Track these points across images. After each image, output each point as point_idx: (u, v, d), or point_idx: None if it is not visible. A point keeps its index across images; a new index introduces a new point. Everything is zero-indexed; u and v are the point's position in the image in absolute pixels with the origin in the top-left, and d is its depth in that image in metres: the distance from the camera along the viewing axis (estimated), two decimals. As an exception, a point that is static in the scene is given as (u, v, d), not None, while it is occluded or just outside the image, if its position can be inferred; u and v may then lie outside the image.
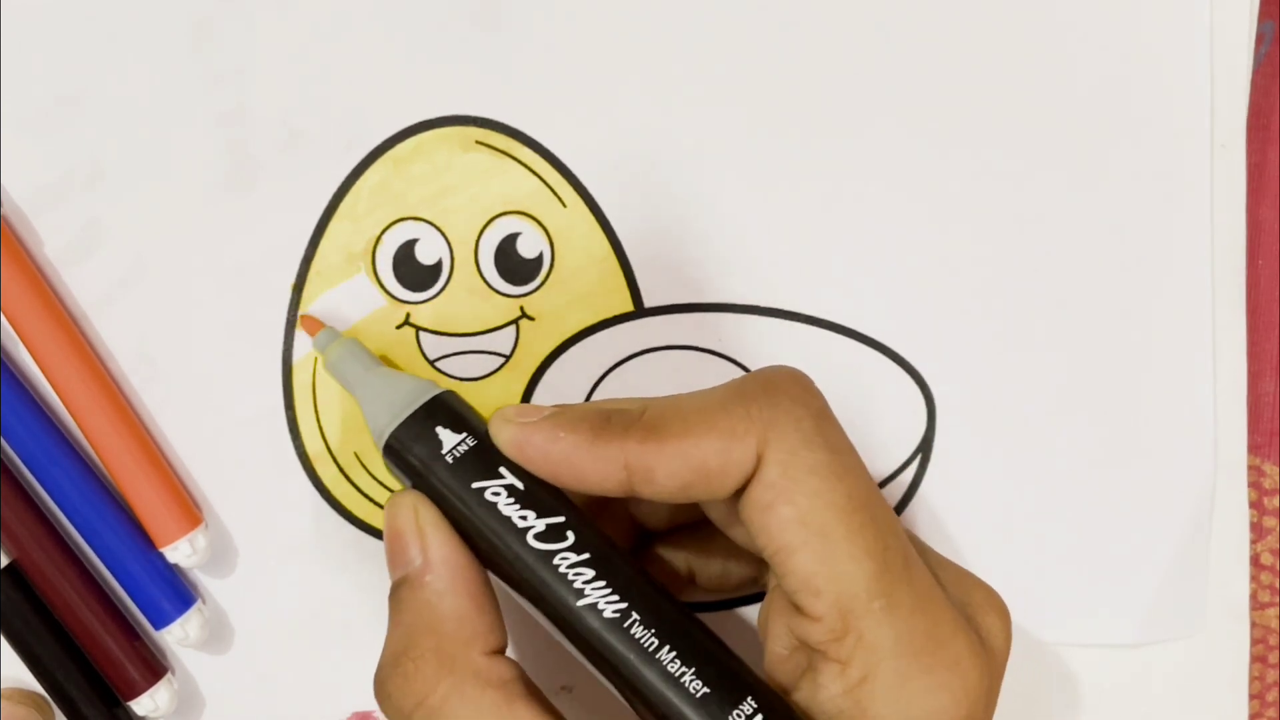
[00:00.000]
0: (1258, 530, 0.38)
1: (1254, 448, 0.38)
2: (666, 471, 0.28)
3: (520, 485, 0.29)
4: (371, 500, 0.36)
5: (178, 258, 0.35)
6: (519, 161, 0.35)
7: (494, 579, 0.30)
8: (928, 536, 0.36)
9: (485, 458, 0.29)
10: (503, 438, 0.29)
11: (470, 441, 0.30)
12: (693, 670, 0.28)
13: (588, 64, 0.35)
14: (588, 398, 0.36)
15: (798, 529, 0.27)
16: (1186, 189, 0.36)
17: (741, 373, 0.36)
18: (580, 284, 0.36)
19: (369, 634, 0.36)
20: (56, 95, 0.35)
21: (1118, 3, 0.36)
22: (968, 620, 0.28)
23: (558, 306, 0.36)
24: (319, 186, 0.35)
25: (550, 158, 0.35)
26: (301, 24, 0.35)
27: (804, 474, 0.27)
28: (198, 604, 0.35)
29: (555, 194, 0.35)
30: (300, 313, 0.35)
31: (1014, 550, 0.37)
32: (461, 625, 0.28)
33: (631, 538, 0.34)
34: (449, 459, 0.29)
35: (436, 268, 0.35)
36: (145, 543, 0.34)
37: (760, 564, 0.33)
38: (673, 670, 0.28)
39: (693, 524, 0.33)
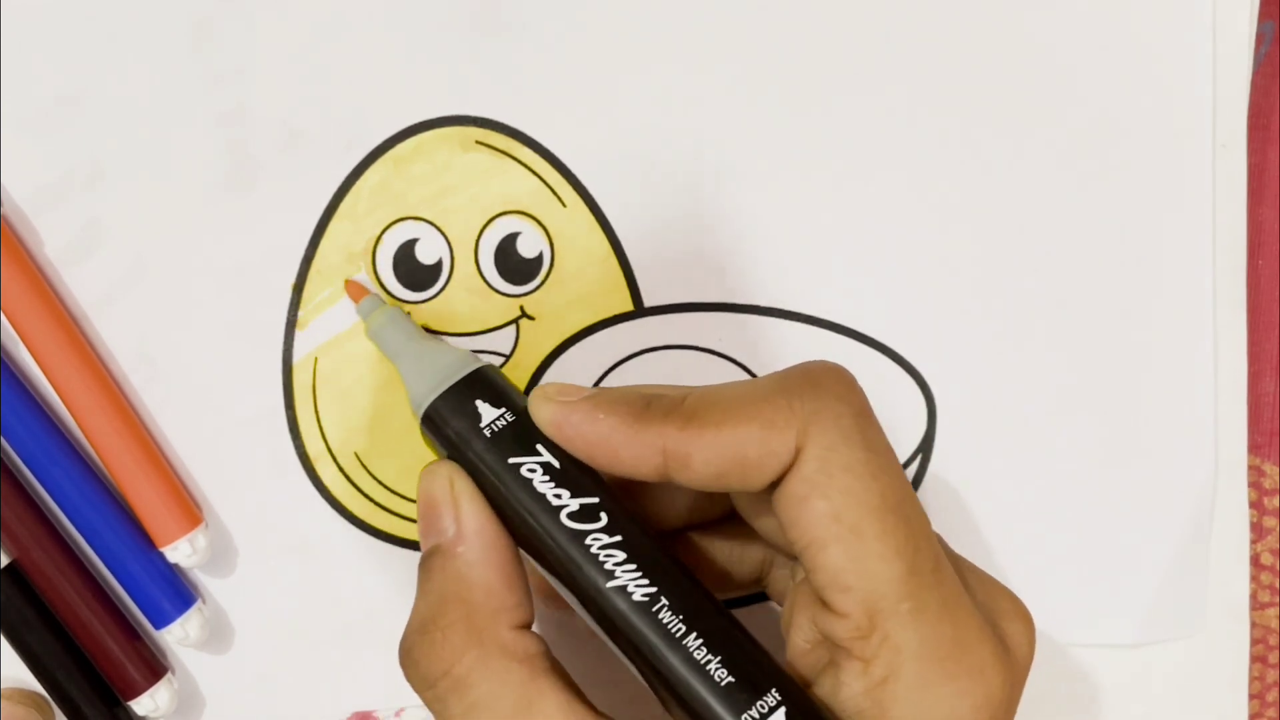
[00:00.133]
0: (1258, 530, 0.38)
1: (1254, 448, 0.38)
2: (704, 459, 0.28)
3: (556, 464, 0.29)
4: (371, 500, 0.36)
5: (178, 258, 0.35)
6: (519, 161, 0.35)
7: (524, 556, 0.30)
8: (928, 536, 0.36)
9: (523, 434, 0.29)
10: (542, 415, 0.29)
11: (509, 417, 0.30)
12: (719, 659, 0.28)
13: (588, 64, 0.35)
14: (588, 398, 0.36)
15: (830, 524, 0.27)
16: (1187, 189, 0.36)
17: (741, 373, 0.36)
18: (580, 284, 0.36)
19: (369, 634, 0.36)
20: (56, 95, 0.35)
21: (1118, 3, 0.36)
22: (992, 627, 0.28)
23: (558, 306, 0.36)
24: (319, 186, 0.35)
25: (550, 158, 0.35)
26: (301, 24, 0.35)
27: (841, 470, 0.27)
28: (198, 604, 0.35)
29: (555, 194, 0.35)
30: (346, 278, 0.35)
31: (1014, 550, 0.37)
32: (490, 597, 0.28)
33: None
34: (487, 433, 0.29)
35: (436, 267, 0.35)
36: (145, 542, 0.34)
37: (763, 566, 0.33)
38: (698, 657, 0.28)
39: (700, 526, 0.33)
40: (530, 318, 0.36)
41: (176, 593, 0.35)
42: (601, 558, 0.28)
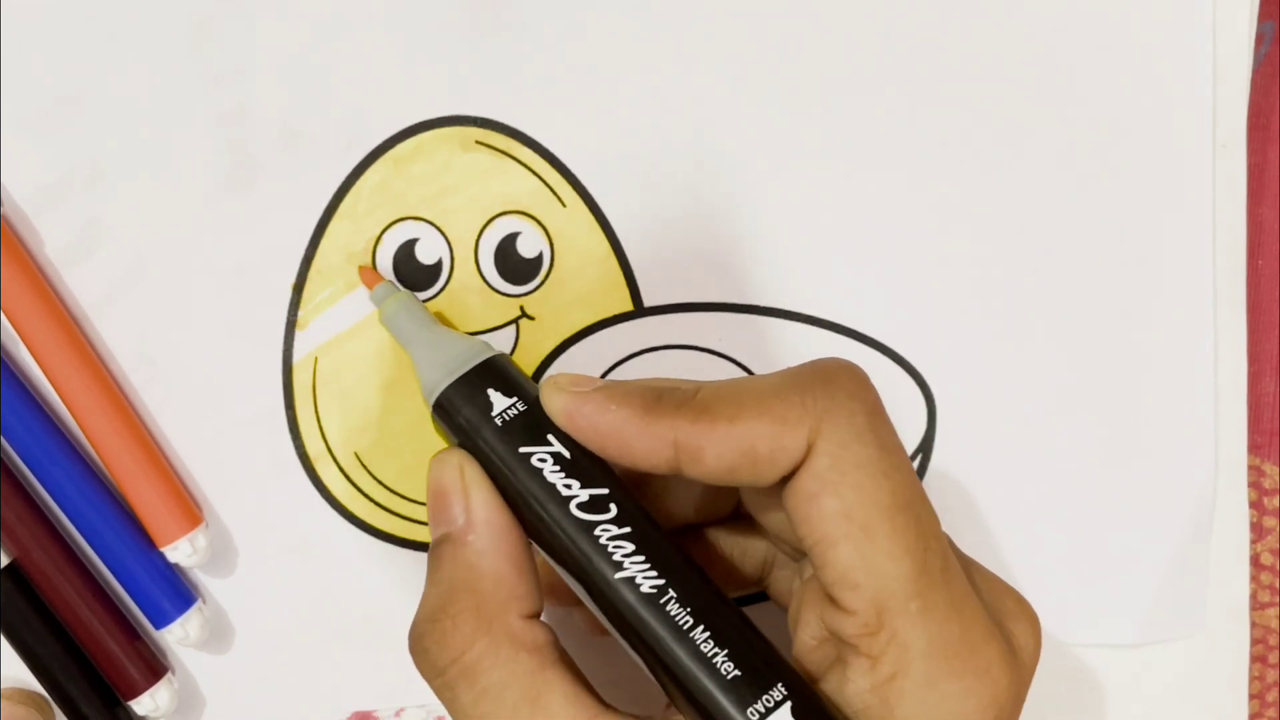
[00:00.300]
0: (1258, 530, 0.38)
1: (1254, 448, 0.38)
2: (715, 453, 0.28)
3: (567, 454, 0.29)
4: (372, 500, 0.36)
5: (178, 258, 0.35)
6: (519, 161, 0.35)
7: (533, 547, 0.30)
8: (928, 536, 0.36)
9: (534, 424, 0.29)
10: (554, 405, 0.29)
11: (520, 406, 0.30)
12: (725, 652, 0.28)
13: (588, 64, 0.35)
14: (588, 398, 0.36)
15: (841, 522, 0.27)
16: (1187, 189, 0.36)
17: (741, 373, 0.36)
18: (580, 284, 0.36)
19: (369, 634, 0.36)
20: (56, 95, 0.35)
21: (1118, 3, 0.36)
22: (999, 627, 0.28)
23: (557, 306, 0.36)
24: (319, 186, 0.35)
25: (550, 158, 0.35)
26: (301, 24, 0.35)
27: (852, 468, 0.27)
28: (198, 604, 0.35)
29: (555, 194, 0.35)
30: (361, 264, 0.35)
31: (1014, 550, 0.37)
32: (500, 586, 0.29)
33: None
34: (498, 421, 0.29)
35: (436, 267, 0.35)
36: (145, 542, 0.34)
37: (764, 567, 0.33)
38: (705, 650, 0.28)
39: (702, 525, 0.33)
40: (530, 318, 0.36)
41: (176, 593, 0.35)
42: (610, 549, 0.28)
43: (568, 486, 0.29)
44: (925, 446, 0.36)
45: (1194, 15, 0.36)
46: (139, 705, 0.35)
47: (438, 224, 0.35)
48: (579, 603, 0.29)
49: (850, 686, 0.28)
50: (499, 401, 0.30)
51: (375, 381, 0.35)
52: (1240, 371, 0.37)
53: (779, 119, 0.36)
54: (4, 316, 0.34)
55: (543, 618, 0.29)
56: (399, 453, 0.35)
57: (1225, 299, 0.37)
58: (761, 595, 0.34)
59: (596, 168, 0.35)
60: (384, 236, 0.35)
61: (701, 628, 0.28)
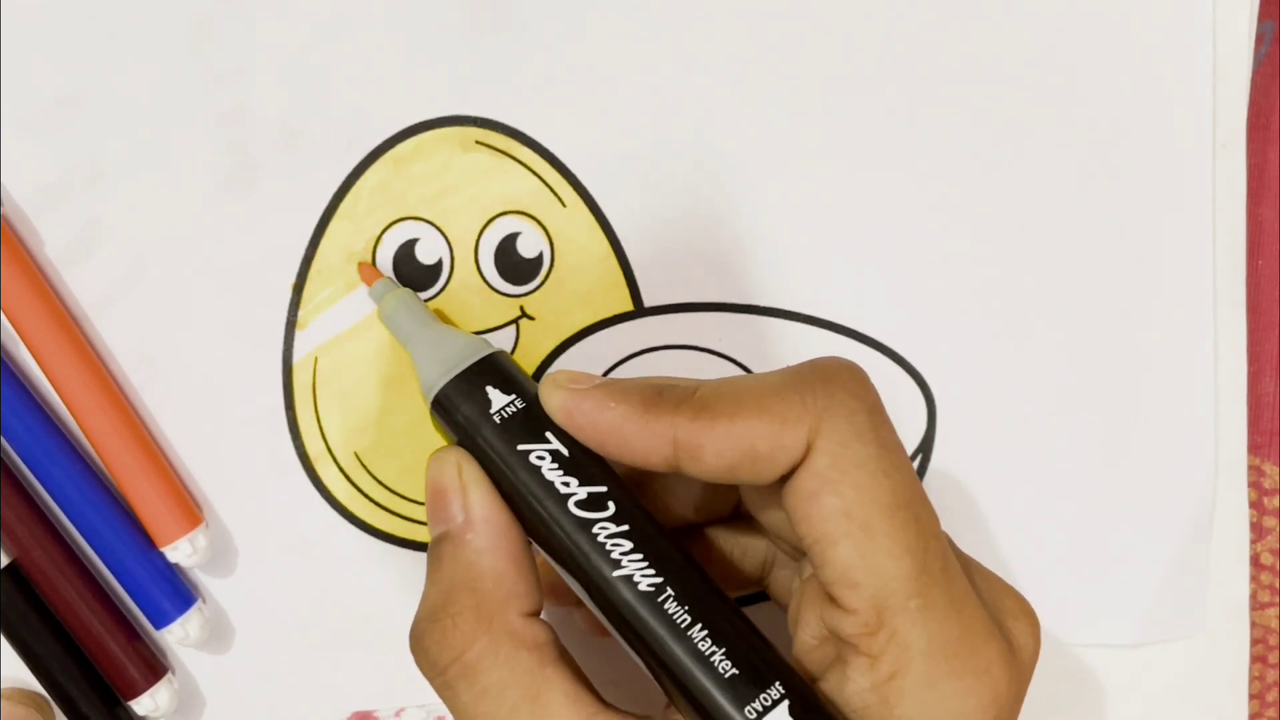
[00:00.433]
0: (1258, 530, 0.38)
1: (1254, 448, 0.38)
2: (715, 451, 0.28)
3: (565, 451, 0.29)
4: (371, 500, 0.36)
5: (178, 258, 0.35)
6: (519, 161, 0.35)
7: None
8: (928, 536, 0.36)
9: (532, 421, 0.29)
10: (553, 402, 0.29)
11: (519, 403, 0.30)
12: (723, 650, 0.28)
13: (588, 64, 0.35)
14: (588, 398, 0.36)
15: (841, 520, 0.27)
16: (1187, 189, 0.36)
17: (741, 372, 0.36)
18: (580, 284, 0.36)
19: (369, 634, 0.36)
20: (56, 95, 0.35)
21: (1118, 3, 0.36)
22: (999, 626, 0.28)
23: (558, 306, 0.36)
24: (319, 186, 0.35)
25: (550, 158, 0.35)
26: (301, 24, 0.35)
27: (852, 467, 0.27)
28: (198, 604, 0.35)
29: (555, 194, 0.35)
30: (360, 260, 0.35)
31: (1014, 550, 0.37)
32: (500, 584, 0.29)
33: None
34: (496, 419, 0.29)
35: (436, 267, 0.35)
36: (145, 542, 0.34)
37: (764, 566, 0.33)
38: (703, 648, 0.28)
39: (701, 524, 0.33)
40: (530, 318, 0.36)
41: (176, 593, 0.35)
42: (608, 547, 0.28)
43: (566, 484, 0.29)
44: (925, 446, 0.36)
45: (1194, 15, 0.36)
46: (139, 705, 0.35)
47: (438, 224, 0.35)
48: (579, 603, 0.29)
49: (850, 686, 0.28)
50: (497, 399, 0.30)
51: (375, 381, 0.35)
52: (1240, 371, 0.37)
53: (779, 119, 0.36)
54: (4, 316, 0.34)
55: (542, 616, 0.29)
56: (399, 453, 0.35)
57: (1225, 299, 0.37)
58: (762, 595, 0.34)
59: (596, 168, 0.35)
60: (384, 236, 0.35)
61: (699, 626, 0.28)
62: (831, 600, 0.28)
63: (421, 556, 0.36)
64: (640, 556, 0.28)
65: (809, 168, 0.36)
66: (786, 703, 0.27)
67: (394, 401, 0.35)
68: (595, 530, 0.28)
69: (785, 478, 0.28)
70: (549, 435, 0.29)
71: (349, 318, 0.35)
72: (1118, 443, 0.36)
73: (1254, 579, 0.38)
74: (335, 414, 0.35)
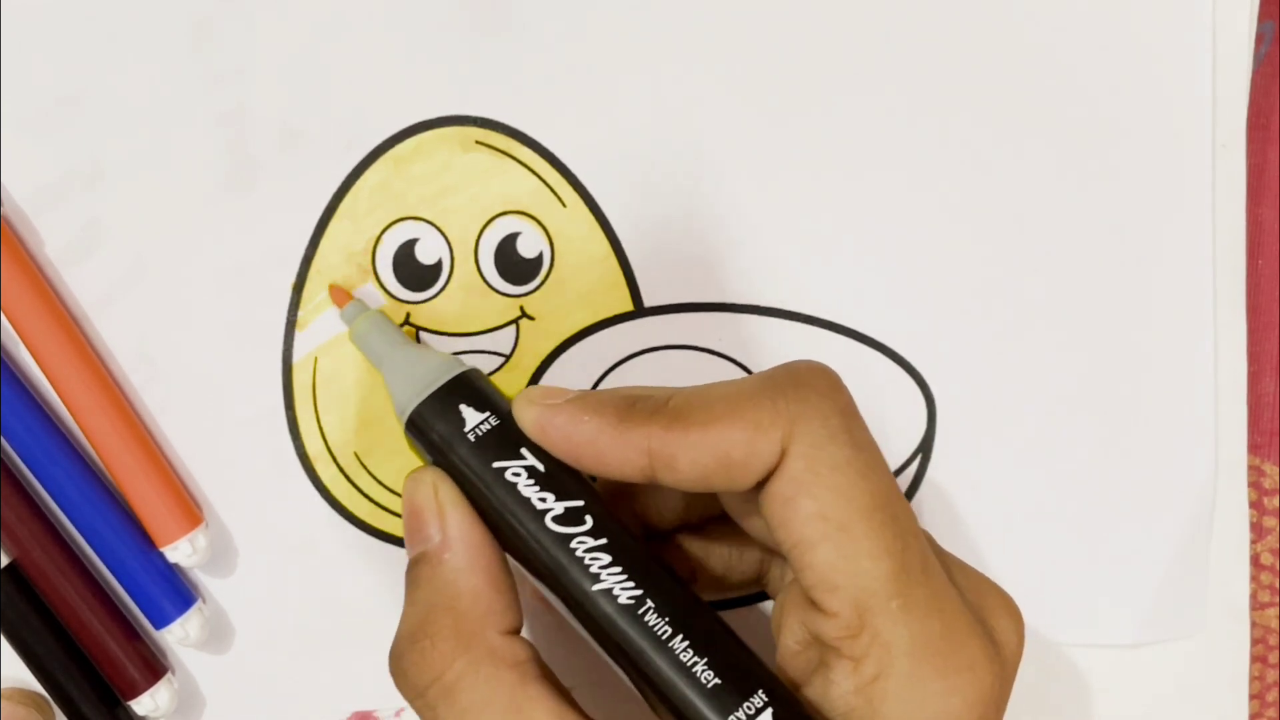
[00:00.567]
0: (1258, 530, 0.38)
1: (1254, 448, 0.38)
2: (689, 459, 0.28)
3: (541, 467, 0.29)
4: (371, 500, 0.36)
5: (178, 258, 0.35)
6: (519, 161, 0.35)
7: (510, 561, 0.30)
8: (928, 536, 0.36)
9: (507, 438, 0.29)
10: (526, 418, 0.29)
11: (493, 421, 0.30)
12: (705, 660, 0.28)
13: (587, 64, 0.35)
14: (588, 398, 0.36)
15: (818, 524, 0.27)
16: (1187, 189, 0.36)
17: (741, 373, 0.36)
18: (580, 284, 0.36)
19: (369, 634, 0.36)
20: (56, 95, 0.35)
21: (1118, 3, 0.36)
22: (982, 623, 0.28)
23: (558, 306, 0.36)
24: (319, 186, 0.35)
25: (550, 158, 0.35)
26: (301, 24, 0.35)
27: (828, 470, 0.27)
28: (198, 604, 0.35)
29: (555, 194, 0.35)
30: (331, 283, 0.35)
31: (1014, 550, 0.37)
32: (478, 603, 0.28)
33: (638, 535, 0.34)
34: (471, 437, 0.29)
35: (436, 267, 0.35)
36: (145, 542, 0.34)
37: (762, 565, 0.33)
38: (685, 659, 0.28)
39: (697, 524, 0.33)
40: (530, 318, 0.36)
41: (176, 593, 0.35)
42: (586, 561, 0.28)
43: (543, 500, 0.29)
44: (925, 446, 0.36)
45: (1194, 15, 0.36)
46: (139, 705, 0.35)
47: (438, 224, 0.35)
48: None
49: (835, 689, 0.28)
50: (471, 417, 0.30)
51: (375, 381, 0.35)
52: (1240, 371, 0.37)
53: (779, 119, 0.36)
54: (4, 316, 0.34)
55: (532, 625, 0.29)
56: (399, 453, 0.35)
57: (1225, 299, 0.37)
58: (761, 595, 0.34)
59: (596, 168, 0.35)
60: (384, 236, 0.35)
61: (680, 637, 0.28)
62: (812, 604, 0.28)
63: (421, 556, 0.36)
64: (619, 570, 0.28)
65: (809, 168, 0.36)
66: (770, 710, 0.27)
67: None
68: (573, 545, 0.28)
69: (762, 484, 0.28)
70: (524, 451, 0.29)
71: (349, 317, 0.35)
72: (1118, 443, 0.36)
73: (1254, 579, 0.38)
74: (335, 414, 0.35)
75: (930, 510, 0.37)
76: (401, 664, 0.29)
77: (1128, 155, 0.36)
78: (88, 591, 0.34)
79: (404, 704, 0.36)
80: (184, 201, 0.35)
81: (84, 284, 0.35)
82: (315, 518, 0.36)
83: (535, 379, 0.36)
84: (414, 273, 0.35)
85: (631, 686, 0.29)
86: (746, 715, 0.27)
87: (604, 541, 0.28)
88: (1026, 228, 0.36)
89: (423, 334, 0.35)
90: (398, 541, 0.36)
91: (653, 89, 0.35)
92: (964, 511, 0.37)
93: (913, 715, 0.27)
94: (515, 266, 0.35)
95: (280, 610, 0.36)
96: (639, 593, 0.28)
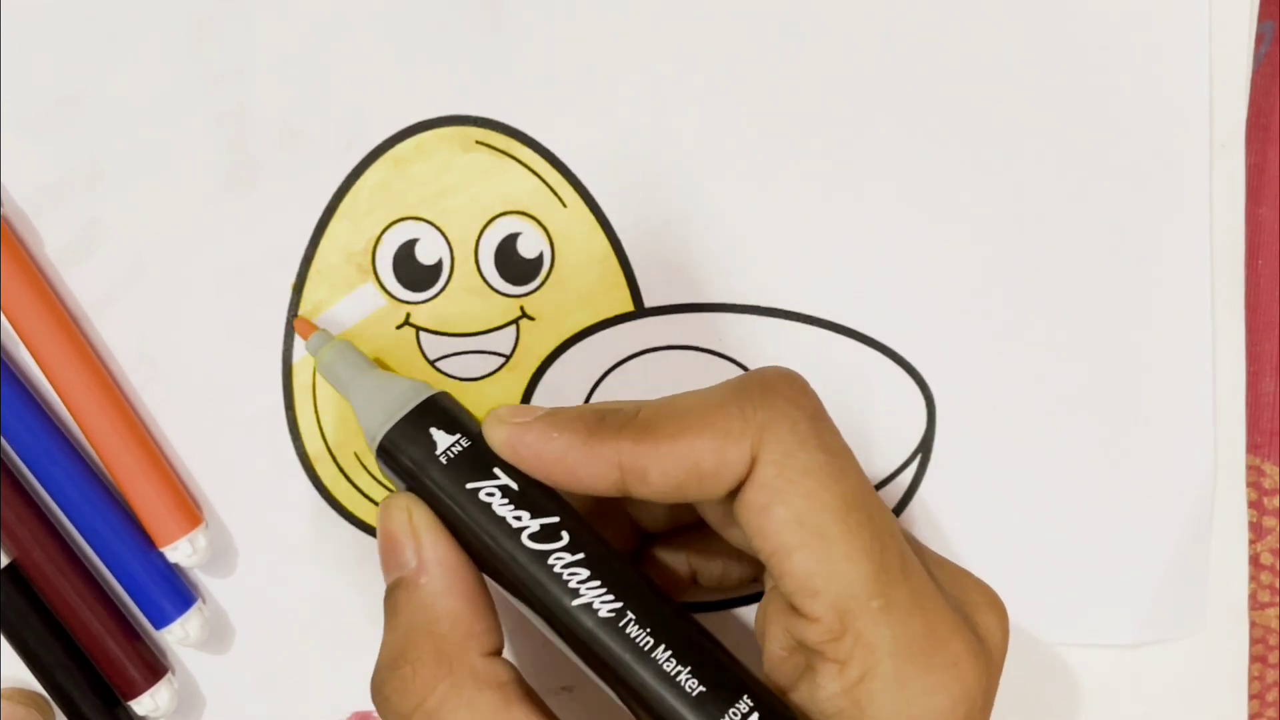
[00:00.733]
0: (1257, 530, 0.38)
1: (1254, 448, 0.38)
2: (660, 471, 0.28)
3: (514, 486, 0.29)
4: (371, 500, 0.36)
5: (178, 258, 0.35)
6: (519, 161, 0.35)
7: (489, 582, 0.30)
8: (927, 537, 0.36)
9: (479, 458, 0.29)
10: (496, 438, 0.29)
11: (464, 442, 0.30)
12: (688, 669, 0.28)
13: (588, 64, 0.35)
14: (588, 398, 0.36)
15: (794, 530, 0.27)
16: (1186, 189, 0.36)
17: (741, 373, 0.36)
18: (580, 284, 0.36)
19: (369, 634, 0.36)
20: (56, 95, 0.35)
21: (1117, 3, 0.36)
22: (965, 619, 0.28)
23: (558, 306, 0.36)
24: (319, 186, 0.35)
25: (550, 158, 0.35)
26: (301, 24, 0.35)
27: (799, 475, 0.27)
28: (198, 604, 0.35)
29: (555, 194, 0.35)
30: (297, 315, 0.35)
31: (1014, 550, 0.37)
32: (458, 626, 0.28)
33: (632, 539, 0.34)
34: (443, 460, 0.29)
35: (436, 268, 0.35)
36: (145, 542, 0.34)
37: (758, 564, 0.33)
38: (668, 669, 0.28)
39: (693, 524, 0.33)
40: (530, 318, 0.36)
41: (176, 593, 0.35)
42: (565, 576, 0.28)
43: (518, 518, 0.29)
44: (925, 446, 0.36)
45: (1193, 15, 0.36)
46: (139, 705, 0.35)
47: (438, 224, 0.35)
48: None
49: (821, 692, 0.28)
50: (442, 440, 0.30)
51: (375, 381, 0.35)
52: (1239, 372, 0.37)
53: (779, 119, 0.36)
54: (4, 316, 0.34)
55: (521, 632, 0.29)
56: (399, 453, 0.35)
57: (1224, 299, 0.37)
58: (762, 595, 0.34)
59: (596, 168, 0.35)
60: (384, 236, 0.35)
61: (663, 647, 0.28)
62: (794, 610, 0.28)
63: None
64: (598, 583, 0.28)
65: (809, 168, 0.36)
66: (756, 715, 0.27)
67: (394, 401, 0.35)
68: (551, 561, 0.28)
69: (736, 492, 0.28)
70: (497, 471, 0.29)
71: (349, 317, 0.35)
72: (1118, 443, 0.36)
73: (1254, 579, 0.38)
74: (335, 414, 0.35)
75: (930, 510, 0.37)
76: (384, 691, 0.28)
77: (1127, 155, 0.36)
78: (88, 591, 0.34)
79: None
80: (184, 201, 0.35)
81: (84, 284, 0.35)
82: (315, 518, 0.36)
83: (535, 379, 0.36)
84: (414, 273, 0.35)
85: (617, 701, 0.29)
86: None
87: (581, 556, 0.28)
88: (1026, 228, 0.36)
89: (423, 334, 0.35)
90: (398, 541, 0.36)
91: (652, 89, 0.35)
92: (964, 511, 0.37)
93: (900, 714, 0.27)
94: (515, 266, 0.35)
95: (280, 610, 0.36)
96: (619, 605, 0.28)
